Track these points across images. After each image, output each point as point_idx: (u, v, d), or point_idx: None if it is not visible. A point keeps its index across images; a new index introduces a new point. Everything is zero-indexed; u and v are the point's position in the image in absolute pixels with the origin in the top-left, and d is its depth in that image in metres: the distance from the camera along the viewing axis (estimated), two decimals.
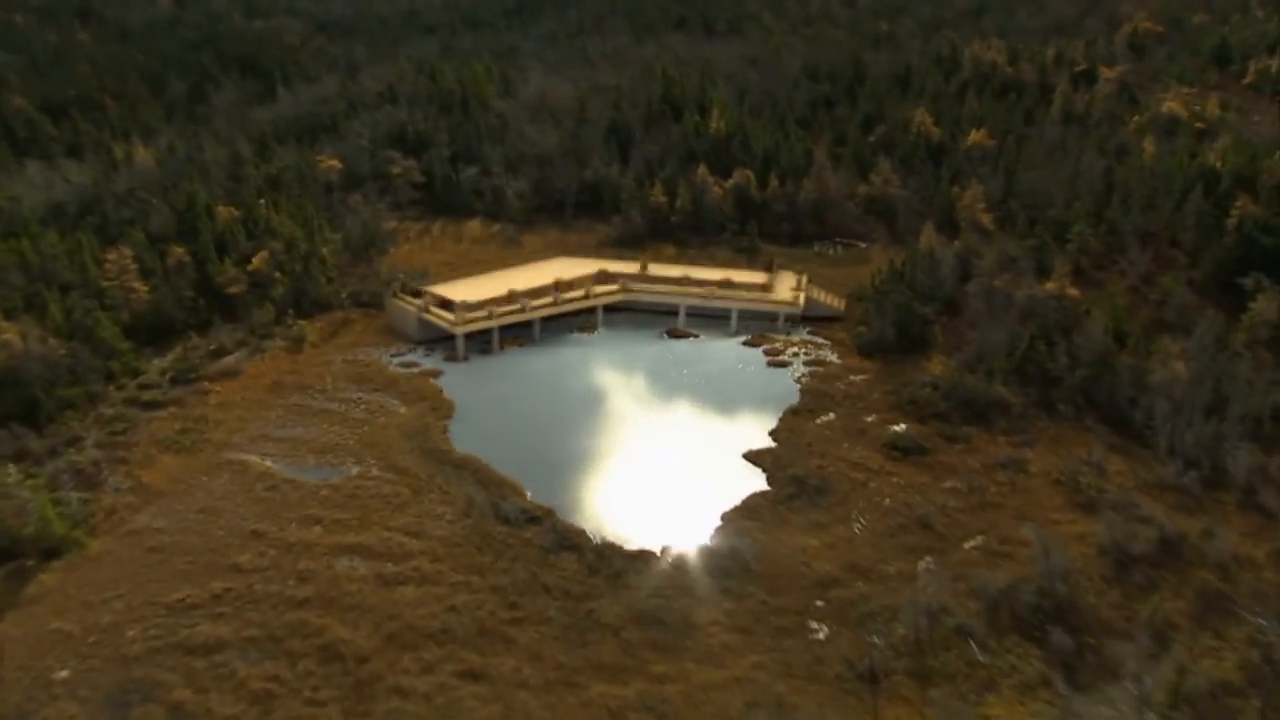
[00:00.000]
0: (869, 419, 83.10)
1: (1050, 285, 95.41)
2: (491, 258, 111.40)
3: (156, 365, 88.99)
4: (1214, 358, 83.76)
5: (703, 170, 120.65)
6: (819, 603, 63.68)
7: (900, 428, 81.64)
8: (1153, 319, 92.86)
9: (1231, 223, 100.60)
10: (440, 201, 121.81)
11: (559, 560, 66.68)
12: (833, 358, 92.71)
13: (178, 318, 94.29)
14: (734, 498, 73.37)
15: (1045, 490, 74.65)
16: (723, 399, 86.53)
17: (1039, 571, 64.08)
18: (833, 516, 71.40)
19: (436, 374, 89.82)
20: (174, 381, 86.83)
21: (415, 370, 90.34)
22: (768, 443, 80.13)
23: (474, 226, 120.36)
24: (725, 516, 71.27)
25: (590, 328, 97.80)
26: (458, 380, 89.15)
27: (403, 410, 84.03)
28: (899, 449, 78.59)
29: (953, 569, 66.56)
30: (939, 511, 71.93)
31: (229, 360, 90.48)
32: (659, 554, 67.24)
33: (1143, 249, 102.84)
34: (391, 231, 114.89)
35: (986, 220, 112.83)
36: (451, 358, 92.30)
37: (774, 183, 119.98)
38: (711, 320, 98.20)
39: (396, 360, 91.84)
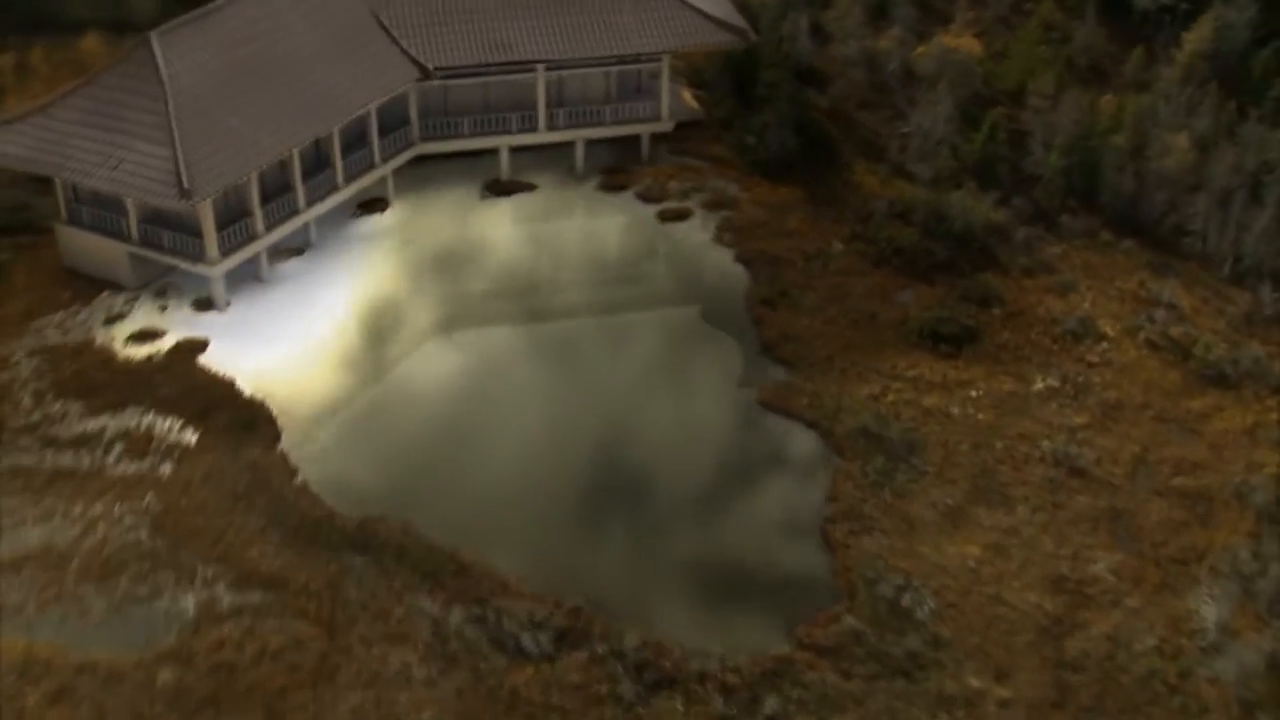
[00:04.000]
0: (860, 289, 56.48)
1: (953, 38, 70.12)
2: None
3: None
4: (1214, 126, 63.14)
5: None
6: (1068, 674, 39.27)
7: (907, 296, 55.92)
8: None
9: None
10: (27, 13, 75.48)
11: (660, 716, 37.37)
12: (733, 190, 63.38)
13: None
14: (809, 490, 45.81)
15: (1148, 363, 52.77)
16: (650, 298, 56.26)
17: None
18: (959, 492, 45.98)
19: (203, 346, 52.11)
20: None
21: (163, 344, 52.08)
22: (770, 367, 51.88)
23: (92, 45, 75.41)
24: (828, 533, 43.82)
25: (380, 205, 61.91)
26: (243, 350, 51.90)
27: (193, 439, 47.25)
28: (944, 339, 53.18)
29: (1157, 538, 44.17)
30: (1069, 438, 48.44)
31: None
32: (805, 658, 39.26)
33: None
34: None
35: None
36: (205, 305, 54.61)
37: None
38: (542, 156, 64.71)
39: (121, 332, 52.92)
